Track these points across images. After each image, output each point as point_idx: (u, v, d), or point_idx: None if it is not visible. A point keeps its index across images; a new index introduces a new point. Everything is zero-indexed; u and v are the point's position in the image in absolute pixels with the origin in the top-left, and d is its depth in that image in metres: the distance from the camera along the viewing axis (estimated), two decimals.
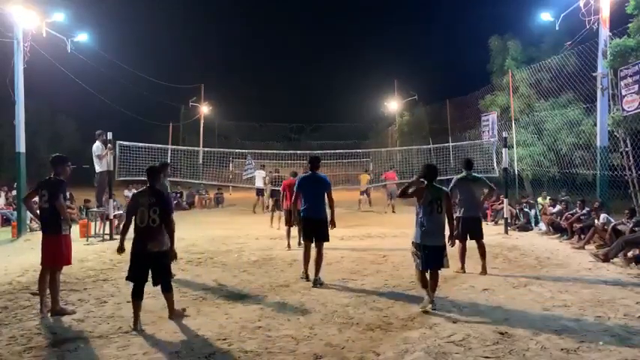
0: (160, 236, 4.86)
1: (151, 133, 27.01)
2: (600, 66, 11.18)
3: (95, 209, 12.01)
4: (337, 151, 21.20)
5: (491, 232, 11.14)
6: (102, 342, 4.43)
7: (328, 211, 6.73)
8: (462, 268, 7.13)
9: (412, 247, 5.49)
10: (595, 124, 11.82)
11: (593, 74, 11.45)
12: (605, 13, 11.08)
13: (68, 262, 5.49)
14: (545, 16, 13.77)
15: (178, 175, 17.90)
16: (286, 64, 79.54)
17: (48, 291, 5.26)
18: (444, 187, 5.68)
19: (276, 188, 13.60)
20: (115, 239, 10.78)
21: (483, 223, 7.71)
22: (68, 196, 10.00)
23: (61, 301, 5.43)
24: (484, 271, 7.02)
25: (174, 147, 20.20)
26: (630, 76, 10.16)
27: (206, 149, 21.23)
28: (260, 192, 18.12)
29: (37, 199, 5.58)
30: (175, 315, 5.09)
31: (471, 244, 7.18)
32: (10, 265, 7.88)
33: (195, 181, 19.91)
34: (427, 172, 5.57)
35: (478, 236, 7.14)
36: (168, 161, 17.66)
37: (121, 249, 5.02)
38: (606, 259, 7.82)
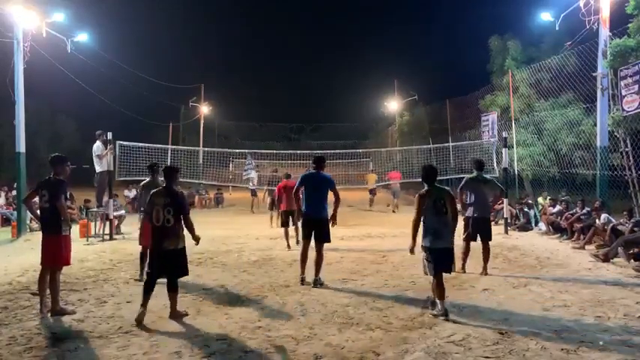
0: (174, 235, 5.01)
1: (151, 133, 27.00)
2: (600, 66, 11.18)
3: (95, 209, 12.01)
4: (337, 151, 21.22)
5: None
6: (102, 342, 4.43)
7: (330, 210, 6.67)
8: (463, 268, 7.10)
9: (422, 251, 5.28)
10: (595, 124, 11.81)
11: (593, 74, 11.45)
12: (605, 13, 11.08)
13: (67, 263, 5.50)
14: (545, 16, 13.76)
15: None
16: (286, 64, 79.71)
17: (48, 291, 5.26)
18: (446, 187, 5.59)
19: (273, 188, 13.61)
20: (115, 239, 10.80)
21: None
22: (68, 196, 9.99)
23: (61, 301, 5.43)
24: (485, 272, 7.02)
25: (174, 147, 20.21)
26: (630, 76, 10.16)
27: (206, 149, 21.25)
28: (254, 192, 18.13)
29: (37, 199, 5.58)
30: (176, 315, 5.09)
31: (474, 244, 7.18)
32: (10, 265, 7.88)
33: (195, 181, 19.91)
34: (427, 173, 5.44)
35: (487, 237, 7.12)
36: (169, 161, 17.75)
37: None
38: (606, 259, 7.82)
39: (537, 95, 15.54)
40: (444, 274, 5.24)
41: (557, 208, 11.65)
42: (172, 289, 5.12)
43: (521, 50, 17.74)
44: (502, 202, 12.42)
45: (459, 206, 6.31)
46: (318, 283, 6.39)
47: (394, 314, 5.18)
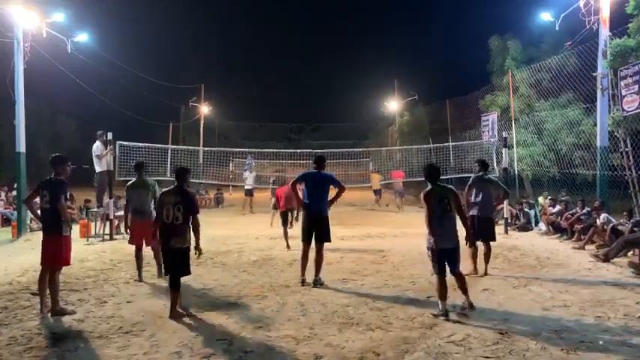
0: (182, 233, 5.15)
1: (151, 133, 27.01)
2: (600, 66, 11.18)
3: (95, 209, 12.01)
4: (337, 150, 21.21)
5: None
6: (102, 342, 4.43)
7: (331, 211, 6.65)
8: (475, 269, 6.94)
9: (427, 252, 5.21)
10: (595, 124, 11.81)
11: (593, 74, 11.45)
12: (605, 13, 11.08)
13: (68, 263, 5.50)
14: (545, 16, 13.77)
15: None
16: (286, 64, 79.72)
17: (48, 291, 5.26)
18: (449, 185, 5.50)
19: (277, 187, 13.60)
20: (115, 239, 10.80)
21: None
22: (68, 197, 9.99)
23: (61, 301, 5.43)
24: (485, 272, 7.00)
25: (174, 147, 20.19)
26: (630, 76, 10.16)
27: (206, 149, 21.24)
28: (249, 192, 18.07)
29: (38, 199, 5.57)
30: (176, 315, 5.09)
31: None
32: (10, 265, 7.88)
33: (195, 181, 19.91)
34: (429, 172, 5.38)
35: (490, 238, 7.10)
36: (168, 161, 17.77)
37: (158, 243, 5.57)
38: (606, 259, 7.82)
39: (537, 95, 15.55)
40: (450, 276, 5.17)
41: (557, 208, 11.65)
42: (175, 288, 5.16)
43: (521, 50, 17.75)
44: (502, 202, 12.42)
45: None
46: (318, 283, 6.39)
47: (394, 314, 5.18)
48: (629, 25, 10.75)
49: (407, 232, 11.67)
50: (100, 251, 9.29)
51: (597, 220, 9.49)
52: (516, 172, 15.41)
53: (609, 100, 11.11)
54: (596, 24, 11.28)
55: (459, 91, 21.33)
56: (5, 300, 5.80)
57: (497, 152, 14.73)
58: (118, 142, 13.22)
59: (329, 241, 6.61)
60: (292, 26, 77.40)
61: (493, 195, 7.41)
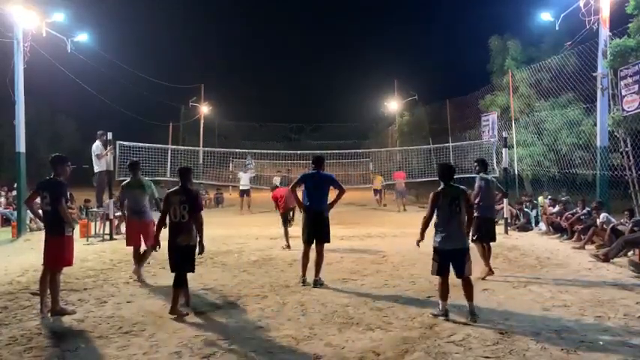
0: (188, 231, 5.28)
1: (151, 133, 26.99)
2: (600, 66, 11.18)
3: (95, 209, 12.01)
4: (337, 151, 21.21)
5: None
6: (102, 342, 4.43)
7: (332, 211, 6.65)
8: (490, 270, 6.85)
9: (433, 252, 5.11)
10: (595, 124, 11.81)
11: (593, 74, 11.44)
12: (605, 13, 11.07)
13: (69, 264, 5.48)
14: (545, 16, 13.76)
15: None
16: (286, 64, 79.73)
17: (48, 291, 5.25)
18: (461, 187, 5.31)
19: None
20: (115, 239, 10.79)
21: None
22: (68, 197, 9.99)
23: (61, 301, 5.42)
24: (489, 271, 6.98)
25: (174, 147, 20.20)
26: (630, 76, 10.16)
27: (206, 149, 21.24)
28: (244, 193, 18.01)
29: (38, 199, 5.57)
30: (176, 313, 5.09)
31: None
32: (10, 265, 7.88)
33: (195, 181, 19.89)
34: (442, 172, 5.25)
35: (490, 238, 7.08)
36: (169, 162, 17.76)
37: (157, 245, 5.64)
38: (606, 259, 7.82)
39: (537, 95, 15.54)
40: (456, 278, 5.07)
41: (557, 208, 11.65)
42: (178, 285, 5.20)
43: (521, 50, 17.75)
44: (502, 202, 12.42)
45: None
46: (318, 283, 6.39)
47: (394, 314, 5.18)
48: (629, 25, 10.75)
49: (407, 232, 11.65)
50: (99, 251, 9.30)
51: (597, 220, 9.49)
52: (516, 172, 15.40)
53: (609, 100, 11.11)
54: (596, 24, 11.28)
55: (459, 91, 21.35)
56: (5, 300, 5.79)
57: (498, 152, 14.73)
58: (118, 142, 13.23)
59: (328, 241, 6.62)
60: (292, 26, 77.52)
61: (493, 195, 7.40)
